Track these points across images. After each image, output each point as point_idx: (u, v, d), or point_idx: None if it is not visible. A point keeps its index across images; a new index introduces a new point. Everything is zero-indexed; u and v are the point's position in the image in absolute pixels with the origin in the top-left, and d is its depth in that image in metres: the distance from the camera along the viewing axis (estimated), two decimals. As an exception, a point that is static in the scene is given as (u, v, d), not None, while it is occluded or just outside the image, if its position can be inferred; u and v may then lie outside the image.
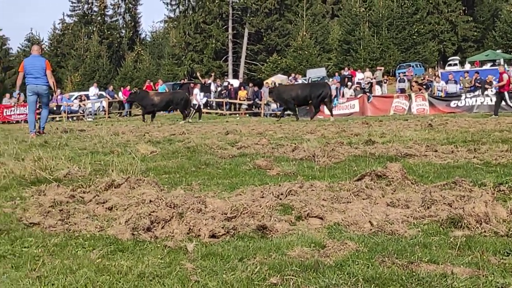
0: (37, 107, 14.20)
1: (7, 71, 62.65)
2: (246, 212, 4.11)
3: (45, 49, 66.09)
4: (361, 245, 3.44)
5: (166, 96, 24.30)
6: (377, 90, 31.28)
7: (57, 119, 30.90)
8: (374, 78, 33.90)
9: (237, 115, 31.27)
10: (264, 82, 35.43)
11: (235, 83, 37.47)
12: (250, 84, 34.37)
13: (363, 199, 4.69)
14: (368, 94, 28.68)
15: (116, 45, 66.25)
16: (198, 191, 5.23)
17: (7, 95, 33.98)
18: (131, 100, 25.85)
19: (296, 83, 31.12)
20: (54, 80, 13.40)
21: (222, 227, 3.75)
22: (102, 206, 4.49)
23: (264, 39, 56.18)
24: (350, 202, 4.56)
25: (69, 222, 4.03)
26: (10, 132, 14.84)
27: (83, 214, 4.29)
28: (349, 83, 31.33)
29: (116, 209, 4.38)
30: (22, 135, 12.28)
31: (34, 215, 4.26)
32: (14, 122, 26.69)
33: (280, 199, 4.69)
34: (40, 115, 13.79)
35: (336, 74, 37.23)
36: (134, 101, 25.73)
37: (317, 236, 3.74)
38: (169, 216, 3.88)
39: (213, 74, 39.33)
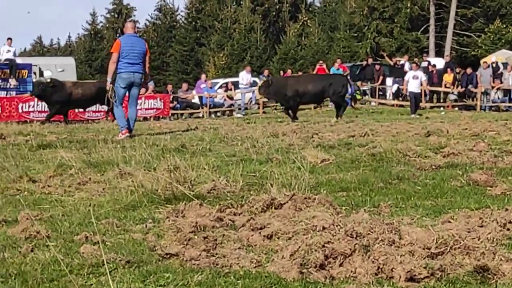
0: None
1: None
2: (459, 247, 4.04)
3: (180, 21, 69.17)
4: None
5: (89, 88, 23.40)
6: None
7: (196, 115, 32.28)
8: None
9: (442, 108, 30.71)
10: (481, 62, 34.41)
11: (439, 63, 36.85)
12: (458, 69, 33.52)
13: None
14: None
15: (274, 14, 67.85)
16: (389, 215, 5.22)
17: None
18: (37, 94, 23.65)
19: (296, 74, 30.51)
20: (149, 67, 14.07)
21: (425, 267, 3.71)
22: (259, 233, 4.63)
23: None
24: None
25: (217, 254, 4.21)
26: (139, 133, 15.75)
27: (234, 244, 4.45)
28: None
29: (278, 238, 4.50)
30: (153, 137, 12.99)
31: (172, 243, 4.50)
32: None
33: (508, 229, 4.55)
34: (128, 114, 14.37)
35: None
36: (43, 97, 23.77)
37: None
38: (350, 249, 3.91)
39: (407, 50, 38.85)
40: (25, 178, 7.64)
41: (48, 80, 23.43)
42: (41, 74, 30.58)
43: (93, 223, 5.24)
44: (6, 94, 28.08)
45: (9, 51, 29.17)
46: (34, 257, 4.27)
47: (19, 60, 31.93)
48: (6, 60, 28.70)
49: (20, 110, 26.64)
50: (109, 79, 14.44)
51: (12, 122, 23.43)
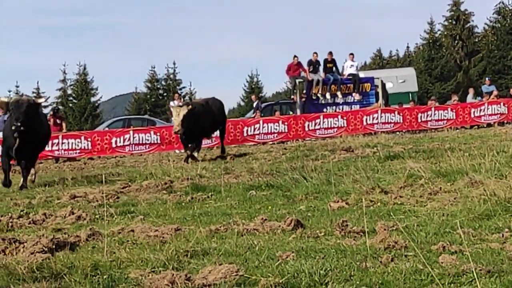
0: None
1: (471, 57, 65.14)
2: None
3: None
4: None
5: None
6: None
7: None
8: None
9: None
10: None
11: None
12: None
13: None
14: None
15: None
16: None
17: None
18: None
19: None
20: None
21: None
22: None
23: None
24: None
25: None
26: (484, 139, 15.48)
27: None
28: None
29: None
30: (500, 144, 12.66)
31: (533, 252, 4.40)
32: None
33: None
34: None
35: None
36: None
37: None
38: None
39: None
40: (377, 189, 7.88)
41: None
42: (384, 87, 31.07)
43: (449, 232, 5.30)
44: (350, 108, 29.02)
45: (352, 66, 30.10)
46: (395, 267, 4.40)
47: (361, 74, 32.82)
48: (349, 75, 29.65)
49: (364, 123, 27.42)
50: None
51: (358, 135, 24.24)
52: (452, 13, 68.17)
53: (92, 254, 5.55)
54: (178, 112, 17.07)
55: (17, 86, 58.90)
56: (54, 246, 5.80)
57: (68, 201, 9.71)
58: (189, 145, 17.65)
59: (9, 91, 57.26)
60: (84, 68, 60.89)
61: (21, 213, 8.69)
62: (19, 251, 5.78)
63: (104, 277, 4.77)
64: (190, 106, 17.28)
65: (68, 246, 5.84)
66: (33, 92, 58.57)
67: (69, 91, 60.05)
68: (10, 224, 7.73)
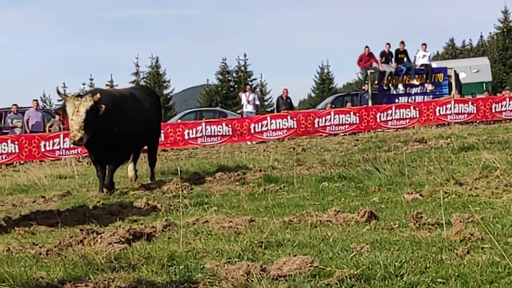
0: None
1: None
2: None
3: None
4: None
5: None
6: None
7: None
8: None
9: None
10: None
11: None
12: None
13: None
14: None
15: None
16: None
17: None
18: None
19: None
20: None
21: None
22: None
23: None
24: None
25: None
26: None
27: None
28: None
29: None
30: None
31: None
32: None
33: None
34: None
35: None
36: None
37: None
38: None
39: None
40: (452, 181, 7.80)
41: None
42: (457, 77, 30.55)
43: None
44: (423, 99, 28.62)
45: (424, 56, 29.70)
46: (471, 259, 4.36)
47: (434, 65, 32.36)
48: (422, 65, 29.24)
49: (437, 114, 27.06)
50: None
51: (431, 125, 23.96)
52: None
53: (168, 244, 5.64)
54: (76, 107, 10.03)
55: (91, 79, 59.96)
56: (130, 237, 5.92)
57: (143, 193, 9.87)
58: (107, 167, 10.59)
59: (83, 84, 58.52)
60: (157, 61, 61.51)
61: (98, 204, 8.88)
62: (97, 242, 5.91)
63: (180, 267, 4.84)
64: (97, 95, 10.12)
65: (144, 237, 5.95)
66: (106, 85, 59.67)
67: (142, 84, 60.71)
68: (87, 215, 7.91)
